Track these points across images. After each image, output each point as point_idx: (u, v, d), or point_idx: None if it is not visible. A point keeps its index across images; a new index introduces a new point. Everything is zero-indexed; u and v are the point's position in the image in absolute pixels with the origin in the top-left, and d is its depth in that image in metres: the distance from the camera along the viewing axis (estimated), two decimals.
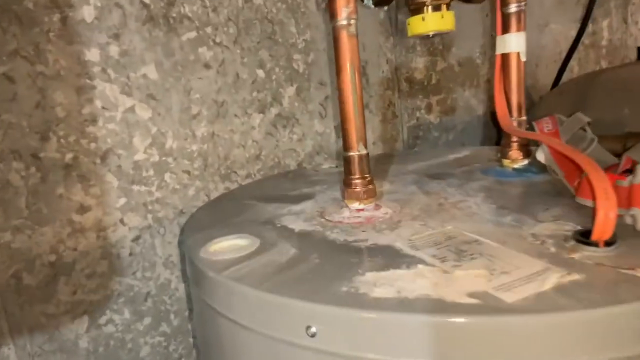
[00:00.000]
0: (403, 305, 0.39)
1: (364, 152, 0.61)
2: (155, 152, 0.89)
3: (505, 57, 0.72)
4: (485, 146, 1.17)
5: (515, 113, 0.73)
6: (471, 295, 0.39)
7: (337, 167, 1.00)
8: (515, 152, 0.73)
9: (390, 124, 1.16)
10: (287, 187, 0.83)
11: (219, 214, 0.71)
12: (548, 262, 0.43)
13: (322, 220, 0.61)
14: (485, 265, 0.44)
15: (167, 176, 0.91)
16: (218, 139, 0.95)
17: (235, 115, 0.97)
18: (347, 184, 0.62)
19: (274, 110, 1.01)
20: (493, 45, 1.28)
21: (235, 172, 0.98)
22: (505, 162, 0.74)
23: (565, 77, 1.30)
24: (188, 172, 0.93)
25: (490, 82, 1.28)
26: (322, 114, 1.06)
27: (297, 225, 0.61)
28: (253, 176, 1.00)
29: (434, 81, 1.20)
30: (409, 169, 0.87)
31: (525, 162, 0.73)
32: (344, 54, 0.59)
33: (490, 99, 1.29)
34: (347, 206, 0.63)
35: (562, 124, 0.73)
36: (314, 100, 1.05)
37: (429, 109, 1.21)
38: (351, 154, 0.60)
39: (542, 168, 0.73)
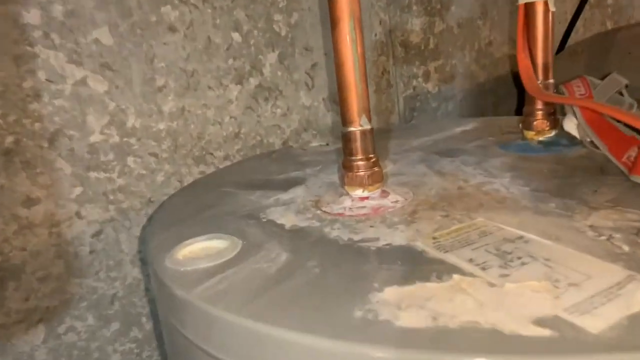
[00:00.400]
0: (443, 339, 0.28)
1: (367, 126, 0.49)
2: (114, 132, 0.76)
3: (529, 7, 0.60)
4: (495, 116, 1.06)
5: (541, 75, 0.61)
6: (538, 322, 0.28)
7: (327, 145, 0.88)
8: (540, 122, 0.62)
9: (384, 95, 1.04)
10: (273, 170, 0.71)
11: (192, 206, 0.59)
12: (627, 268, 0.32)
13: (318, 212, 0.50)
14: (545, 274, 0.33)
15: (130, 160, 0.78)
16: (189, 115, 0.82)
17: (209, 87, 0.83)
18: (347, 166, 0.50)
19: (253, 81, 0.87)
20: (495, 3, 1.16)
21: (211, 154, 0.86)
22: (529, 134, 0.63)
23: (571, 39, 1.19)
24: (155, 155, 0.80)
25: (492, 44, 1.16)
26: (309, 85, 0.93)
27: (288, 219, 0.49)
28: (232, 158, 0.88)
29: (431, 45, 1.07)
30: (413, 145, 0.75)
31: (553, 133, 0.62)
32: (343, 4, 0.46)
33: (493, 63, 1.17)
34: (347, 194, 0.51)
35: (595, 87, 0.62)
36: (299, 68, 0.92)
37: (426, 76, 1.08)
38: (352, 129, 0.48)
39: (573, 140, 0.62)
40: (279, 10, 0.88)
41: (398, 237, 0.41)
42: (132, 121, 0.77)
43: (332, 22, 0.47)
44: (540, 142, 0.62)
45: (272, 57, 0.89)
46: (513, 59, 1.21)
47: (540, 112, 0.62)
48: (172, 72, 0.79)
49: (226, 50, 0.84)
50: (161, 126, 0.80)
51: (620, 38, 0.95)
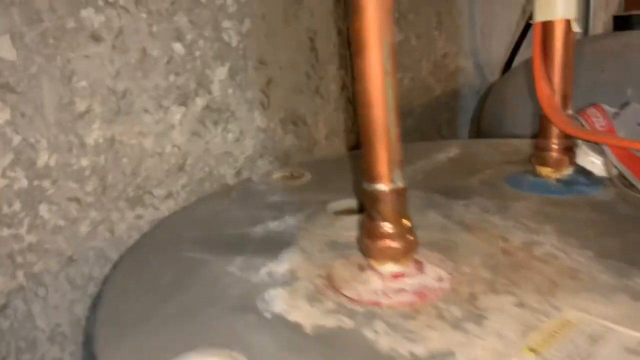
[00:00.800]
0: None
1: (400, 184, 0.37)
2: (21, 174, 0.57)
3: (547, 26, 0.52)
4: (471, 138, 0.99)
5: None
6: None
7: (292, 175, 0.75)
8: (559, 158, 0.54)
9: (344, 113, 0.93)
10: (241, 218, 0.56)
11: (148, 288, 0.43)
12: None
13: (340, 298, 0.37)
14: None
15: (43, 209, 0.60)
16: (121, 147, 0.65)
17: (145, 111, 0.67)
18: (373, 234, 0.37)
19: (200, 101, 0.72)
20: (449, 13, 1.10)
21: (150, 193, 0.69)
22: (545, 170, 0.55)
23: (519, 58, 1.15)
24: (77, 200, 0.62)
25: (447, 56, 1.09)
26: (264, 104, 0.79)
27: (303, 313, 0.35)
28: (176, 196, 0.71)
29: None
30: None
31: (571, 170, 0.55)
32: (373, 23, 0.34)
33: (448, 76, 1.11)
34: (372, 268, 0.39)
35: (614, 116, 0.55)
36: (252, 85, 0.78)
37: None
38: (380, 187, 0.36)
39: (590, 177, 0.55)
40: (228, 15, 0.73)
41: (480, 350, 0.30)
42: (44, 158, 0.59)
43: (357, 47, 0.35)
44: (558, 180, 0.55)
45: (221, 72, 0.74)
46: (466, 71, 1.15)
47: (557, 146, 0.54)
48: (97, 92, 0.62)
49: (166, 64, 0.67)
50: (84, 162, 0.62)
51: (585, 52, 0.92)
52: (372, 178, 0.37)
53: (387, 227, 0.37)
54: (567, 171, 0.55)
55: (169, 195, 0.71)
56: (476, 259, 0.41)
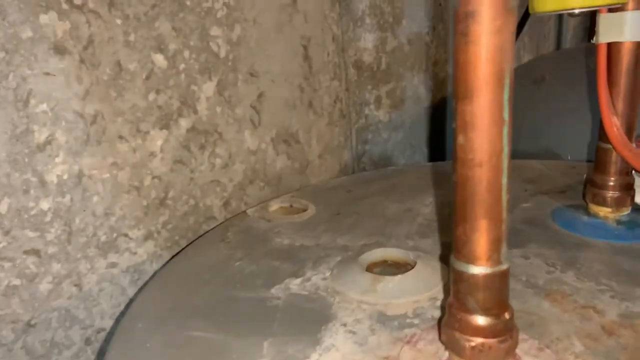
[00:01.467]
0: None
1: (505, 265, 0.28)
2: None
3: (613, 48, 0.45)
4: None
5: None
6: None
7: (291, 207, 0.65)
8: (621, 197, 0.47)
9: (337, 127, 0.83)
10: (250, 273, 0.46)
11: None
12: None
13: None
14: None
15: None
16: (90, 183, 0.53)
17: (120, 137, 0.54)
18: (464, 327, 0.29)
19: (184, 123, 0.60)
20: (440, 18, 1.02)
21: (126, 235, 0.57)
22: (603, 210, 0.48)
23: None
24: (36, 252, 0.50)
25: (438, 64, 1.02)
26: (254, 121, 0.69)
27: None
28: (156, 236, 0.60)
29: (383, 66, 0.89)
30: (426, 214, 0.56)
31: (629, 209, 0.48)
32: (491, 52, 0.24)
33: (437, 85, 1.03)
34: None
35: None
36: (243, 100, 0.67)
37: (378, 103, 0.91)
38: (481, 270, 0.28)
39: None
40: (216, 21, 0.62)
41: None
42: None
43: (464, 86, 0.26)
44: (618, 222, 0.48)
45: (208, 88, 0.62)
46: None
47: (616, 184, 0.47)
48: (61, 118, 0.49)
49: (145, 79, 0.56)
50: (44, 205, 0.50)
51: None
52: (469, 257, 0.28)
53: (486, 321, 0.28)
54: (626, 211, 0.48)
55: (148, 236, 0.59)
56: (577, 343, 0.33)
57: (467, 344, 0.29)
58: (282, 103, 0.72)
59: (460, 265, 0.29)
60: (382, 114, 0.93)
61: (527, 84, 0.92)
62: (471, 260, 0.28)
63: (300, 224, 0.58)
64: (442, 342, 0.31)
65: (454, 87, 0.27)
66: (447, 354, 0.32)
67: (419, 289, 0.41)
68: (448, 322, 0.30)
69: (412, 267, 0.44)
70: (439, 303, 0.39)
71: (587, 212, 0.50)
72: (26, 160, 0.47)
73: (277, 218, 0.60)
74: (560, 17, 1.50)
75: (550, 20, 1.48)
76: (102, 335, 0.57)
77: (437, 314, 0.38)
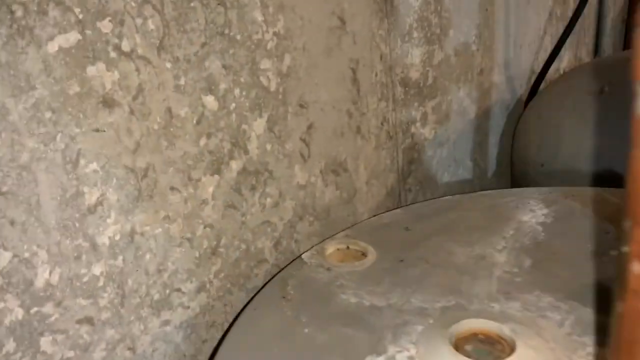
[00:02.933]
0: None
1: None
2: (13, 302, 0.41)
3: None
4: (527, 184, 0.87)
5: None
6: None
7: (348, 249, 0.61)
8: None
9: (384, 150, 0.78)
10: (323, 349, 0.42)
11: None
12: None
13: None
14: None
15: (45, 342, 0.43)
16: (142, 241, 0.49)
17: (172, 189, 0.50)
18: None
19: (235, 165, 0.56)
20: (485, 25, 0.97)
21: (179, 290, 0.53)
22: None
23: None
24: (89, 320, 0.46)
25: (483, 72, 0.96)
26: (304, 155, 0.64)
27: None
28: (209, 287, 0.56)
29: (430, 80, 0.84)
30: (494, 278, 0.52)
31: None
32: None
33: (482, 95, 0.98)
34: None
35: None
36: (292, 134, 0.62)
37: (424, 120, 0.85)
38: None
39: None
40: (267, 53, 0.57)
41: None
42: (44, 276, 0.42)
43: None
44: None
45: (259, 125, 0.58)
46: (499, 87, 1.03)
47: None
48: (112, 176, 0.45)
49: (196, 124, 0.51)
50: (96, 270, 0.46)
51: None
52: None
53: None
54: None
55: (200, 288, 0.55)
56: None
57: None
58: (330, 132, 0.68)
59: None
60: (427, 131, 0.88)
61: (583, 94, 0.87)
62: None
63: (362, 273, 0.54)
64: None
65: (628, 201, 0.22)
66: None
67: None
68: None
69: (509, 345, 0.40)
70: None
71: None
72: (77, 225, 0.43)
73: (336, 266, 0.56)
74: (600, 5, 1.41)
75: (590, 12, 1.40)
76: None
77: None
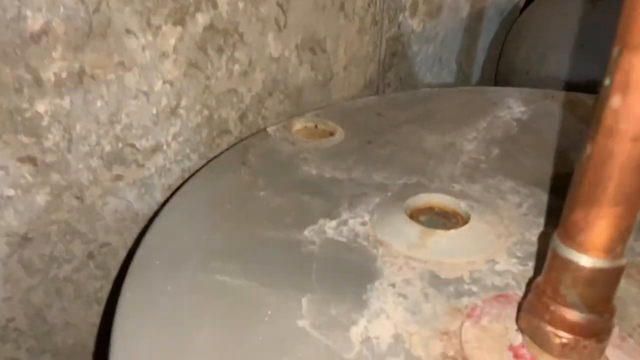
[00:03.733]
0: None
1: (624, 260, 0.23)
2: None
3: None
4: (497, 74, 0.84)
5: None
6: None
7: (316, 127, 0.58)
8: None
9: (367, 35, 0.74)
10: (277, 207, 0.41)
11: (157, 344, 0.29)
12: None
13: None
14: None
15: None
16: (92, 84, 0.45)
17: (128, 32, 0.46)
18: (558, 322, 0.24)
19: (201, 18, 0.51)
20: None
21: (132, 145, 0.51)
22: None
23: None
24: (32, 160, 0.44)
25: None
26: (280, 23, 0.59)
27: None
28: (165, 148, 0.53)
29: None
30: (469, 154, 0.50)
31: None
32: None
33: None
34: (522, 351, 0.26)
35: None
36: None
37: (414, 9, 0.80)
38: (597, 264, 0.22)
39: None
40: None
41: None
42: None
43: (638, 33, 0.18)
44: None
45: None
46: None
47: None
48: (59, 3, 0.40)
49: None
50: (40, 107, 0.42)
51: None
52: (586, 247, 0.23)
53: (586, 318, 0.24)
54: None
55: (156, 148, 0.53)
56: None
57: (557, 340, 0.24)
58: (311, 3, 0.63)
59: (570, 254, 0.23)
60: (416, 23, 0.83)
61: (578, 3, 0.82)
62: (587, 250, 0.23)
63: (328, 150, 0.52)
64: (519, 326, 0.27)
65: (619, 25, 0.19)
66: (518, 337, 0.28)
67: (474, 249, 0.36)
68: (534, 310, 0.26)
69: (463, 219, 0.39)
70: (498, 267, 0.35)
71: None
72: (18, 52, 0.39)
73: (302, 141, 0.54)
74: None
75: None
76: (106, 249, 0.53)
77: (497, 281, 0.33)
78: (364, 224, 0.39)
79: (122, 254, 0.55)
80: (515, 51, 0.91)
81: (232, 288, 0.33)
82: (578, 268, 0.23)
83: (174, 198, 0.43)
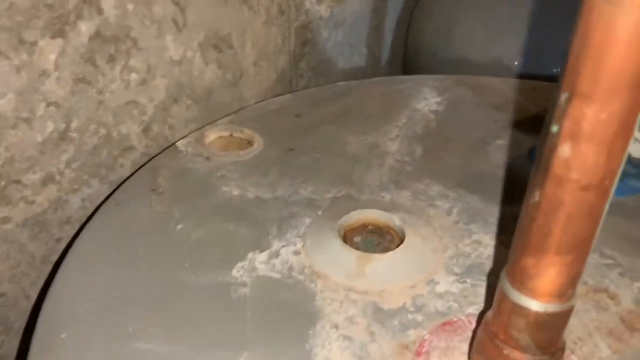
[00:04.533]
0: None
1: (574, 301, 0.22)
2: None
3: None
4: (406, 59, 0.83)
5: None
6: None
7: (232, 136, 0.54)
8: None
9: (275, 27, 0.69)
10: (194, 242, 0.37)
11: None
12: None
13: None
14: None
15: None
16: None
17: None
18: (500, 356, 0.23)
19: (85, 27, 0.44)
20: None
21: (18, 182, 0.43)
22: None
23: None
24: None
25: None
26: (178, 22, 0.53)
27: None
28: (59, 178, 0.47)
29: None
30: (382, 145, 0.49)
31: None
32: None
33: None
34: None
35: None
36: None
37: None
38: (549, 308, 0.21)
39: (634, 163, 0.46)
40: None
41: None
42: None
43: (589, 82, 0.17)
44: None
45: None
46: None
47: None
48: None
49: None
50: None
51: None
52: (536, 293, 0.22)
53: (539, 357, 0.23)
54: None
55: (48, 180, 0.46)
56: (601, 344, 0.30)
57: (509, 349, 0.24)
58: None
59: (520, 299, 0.22)
60: (323, 9, 0.79)
61: None
62: (539, 296, 0.22)
63: (247, 164, 0.48)
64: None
65: (563, 73, 0.18)
66: None
67: (413, 270, 0.35)
68: (486, 351, 0.25)
69: (398, 235, 0.38)
70: (438, 288, 0.34)
71: None
72: None
73: (218, 155, 0.49)
74: None
75: None
76: (3, 300, 0.46)
77: (439, 305, 0.32)
78: (297, 252, 0.36)
79: (23, 304, 0.48)
80: (420, 32, 0.91)
81: (157, 357, 0.29)
82: (529, 313, 0.22)
83: (74, 247, 0.37)
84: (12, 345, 0.49)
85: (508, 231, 0.35)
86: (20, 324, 0.49)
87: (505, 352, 0.24)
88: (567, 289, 0.22)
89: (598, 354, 0.29)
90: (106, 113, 0.49)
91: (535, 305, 0.22)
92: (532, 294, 0.22)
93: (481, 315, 0.27)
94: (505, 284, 0.23)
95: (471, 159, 0.49)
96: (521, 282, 0.22)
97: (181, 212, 0.41)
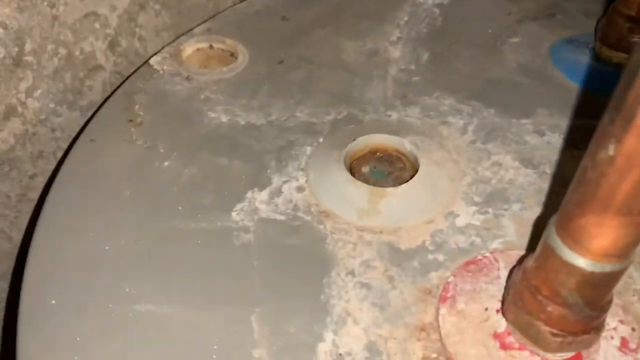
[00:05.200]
0: None
1: (630, 259, 0.19)
2: None
3: None
4: None
5: None
6: None
7: (211, 48, 0.47)
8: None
9: None
10: (191, 187, 0.33)
11: None
12: None
13: None
14: None
15: None
16: None
17: None
18: (558, 321, 0.21)
19: None
20: None
21: None
22: (617, 56, 0.39)
23: None
24: None
25: None
26: None
27: None
28: (22, 109, 0.41)
29: None
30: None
31: None
32: None
33: None
34: (521, 347, 0.24)
35: None
36: None
37: None
38: (606, 268, 0.19)
39: None
40: None
41: None
42: None
43: None
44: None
45: None
46: None
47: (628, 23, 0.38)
48: None
49: None
50: None
51: None
52: (593, 253, 0.19)
53: (587, 317, 0.21)
54: None
55: (10, 112, 0.40)
56: (635, 275, 0.28)
57: (556, 338, 0.22)
58: None
59: (576, 259, 0.19)
60: None
61: None
62: (598, 257, 0.19)
63: (233, 82, 0.42)
64: (506, 318, 0.24)
65: None
66: (501, 320, 0.25)
67: (430, 202, 0.32)
68: (525, 305, 0.22)
69: (410, 162, 0.34)
70: (458, 222, 0.31)
71: (594, 54, 0.42)
72: None
73: (198, 73, 0.43)
74: None
75: None
76: None
77: (461, 241, 0.30)
78: (300, 189, 0.33)
79: (6, 246, 0.45)
80: None
81: (160, 320, 0.26)
82: (584, 273, 0.19)
83: (50, 197, 0.33)
84: (1, 286, 0.47)
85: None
86: (6, 267, 0.46)
87: (549, 308, 0.21)
88: (630, 250, 0.19)
89: (633, 286, 0.28)
90: (63, 29, 0.42)
91: (590, 265, 0.19)
92: (589, 253, 0.19)
93: (507, 257, 0.24)
94: (554, 239, 0.20)
95: (484, 63, 0.44)
96: (576, 241, 0.19)
97: (166, 147, 0.36)
